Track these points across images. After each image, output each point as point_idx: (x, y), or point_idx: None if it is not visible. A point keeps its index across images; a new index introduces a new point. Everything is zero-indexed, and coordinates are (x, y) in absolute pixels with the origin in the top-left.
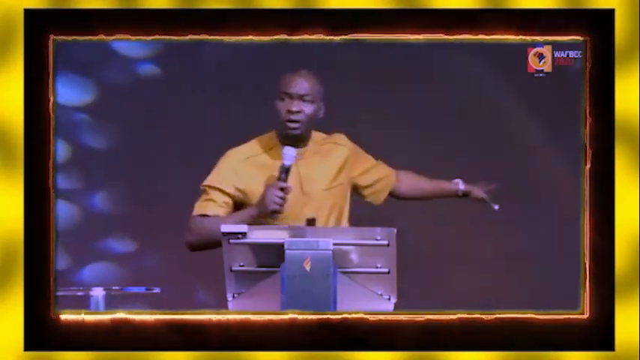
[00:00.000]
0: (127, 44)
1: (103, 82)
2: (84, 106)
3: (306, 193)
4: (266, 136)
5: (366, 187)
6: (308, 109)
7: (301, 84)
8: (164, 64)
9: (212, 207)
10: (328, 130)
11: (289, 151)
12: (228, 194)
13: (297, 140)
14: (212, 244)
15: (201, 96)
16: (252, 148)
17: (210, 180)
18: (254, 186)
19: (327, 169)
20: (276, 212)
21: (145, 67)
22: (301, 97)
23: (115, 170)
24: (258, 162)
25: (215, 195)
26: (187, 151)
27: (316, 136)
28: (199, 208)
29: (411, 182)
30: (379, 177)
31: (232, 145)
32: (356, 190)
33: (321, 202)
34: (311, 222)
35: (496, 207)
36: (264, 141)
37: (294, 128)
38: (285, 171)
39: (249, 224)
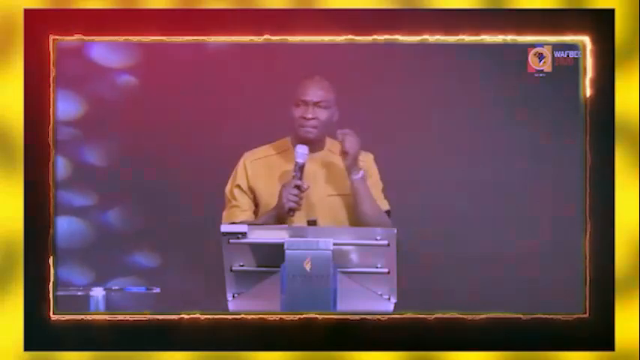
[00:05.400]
0: (118, 46)
1: (103, 79)
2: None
3: (310, 196)
4: (281, 140)
5: None
6: (322, 115)
7: (316, 91)
8: (162, 67)
9: (238, 214)
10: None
11: (301, 149)
12: (248, 195)
13: (311, 144)
14: None
15: (202, 98)
16: (265, 150)
17: (230, 185)
18: (262, 185)
19: (335, 177)
20: (292, 210)
21: (140, 72)
22: (316, 104)
23: (117, 171)
24: (268, 163)
25: (239, 199)
26: (187, 154)
27: (333, 144)
28: (227, 217)
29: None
30: None
31: (239, 148)
32: None
33: (324, 208)
34: (312, 223)
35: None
36: (278, 145)
37: (309, 132)
38: (299, 169)
39: (272, 224)
